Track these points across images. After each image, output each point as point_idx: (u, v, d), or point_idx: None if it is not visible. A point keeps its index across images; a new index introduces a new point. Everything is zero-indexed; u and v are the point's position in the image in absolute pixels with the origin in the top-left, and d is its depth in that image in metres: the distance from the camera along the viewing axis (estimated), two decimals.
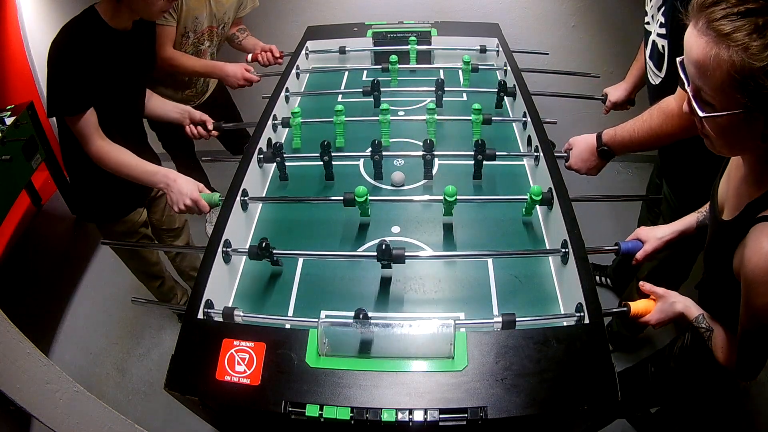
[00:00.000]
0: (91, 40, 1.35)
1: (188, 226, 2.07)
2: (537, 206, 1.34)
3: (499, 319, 1.03)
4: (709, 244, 1.02)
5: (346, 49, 2.09)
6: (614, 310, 1.11)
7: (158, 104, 1.74)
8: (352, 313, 1.04)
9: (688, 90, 0.78)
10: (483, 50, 2.06)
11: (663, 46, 1.30)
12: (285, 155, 1.50)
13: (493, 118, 1.61)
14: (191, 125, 1.74)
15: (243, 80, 2.00)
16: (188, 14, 1.88)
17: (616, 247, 1.24)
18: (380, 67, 1.96)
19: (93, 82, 1.36)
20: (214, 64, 2.01)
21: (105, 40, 1.38)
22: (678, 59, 0.80)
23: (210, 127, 1.75)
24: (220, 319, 1.09)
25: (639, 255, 1.22)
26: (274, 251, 1.20)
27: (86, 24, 1.36)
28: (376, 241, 1.32)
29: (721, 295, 0.99)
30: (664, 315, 1.07)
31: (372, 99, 1.79)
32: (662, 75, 1.34)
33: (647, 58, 1.42)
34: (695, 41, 0.73)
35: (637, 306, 1.10)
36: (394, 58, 1.89)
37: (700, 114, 0.76)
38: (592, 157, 1.40)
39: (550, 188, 1.31)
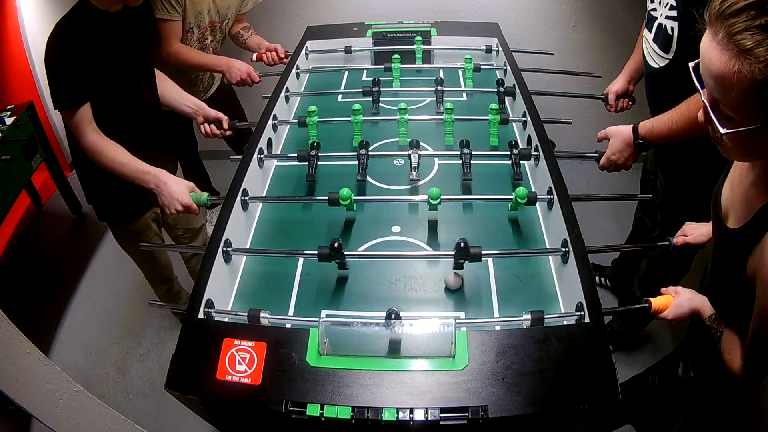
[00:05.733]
0: (86, 27, 1.33)
1: (206, 228, 2.02)
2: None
3: (529, 317, 1.03)
4: (717, 252, 1.01)
5: (353, 48, 2.08)
6: (636, 306, 1.15)
7: (173, 93, 1.68)
8: (352, 313, 1.04)
9: (705, 100, 0.76)
10: (489, 50, 2.06)
11: (672, 28, 1.31)
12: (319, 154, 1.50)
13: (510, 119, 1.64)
14: (205, 124, 1.70)
15: (245, 74, 1.98)
16: (191, 9, 1.87)
17: (667, 242, 1.30)
18: (382, 66, 1.95)
19: (91, 73, 1.33)
20: (220, 58, 2.00)
21: (99, 24, 1.35)
22: (691, 64, 0.78)
23: (225, 126, 1.70)
24: (221, 319, 1.09)
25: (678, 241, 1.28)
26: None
27: (79, 13, 1.34)
28: (377, 241, 1.32)
29: (732, 301, 0.98)
30: (679, 311, 1.10)
31: (371, 99, 1.79)
32: (669, 57, 1.34)
33: (651, 41, 1.42)
34: (716, 55, 0.70)
35: (657, 302, 1.14)
36: (396, 57, 1.88)
37: (722, 131, 0.74)
38: (629, 149, 1.44)
39: (550, 187, 1.31)
